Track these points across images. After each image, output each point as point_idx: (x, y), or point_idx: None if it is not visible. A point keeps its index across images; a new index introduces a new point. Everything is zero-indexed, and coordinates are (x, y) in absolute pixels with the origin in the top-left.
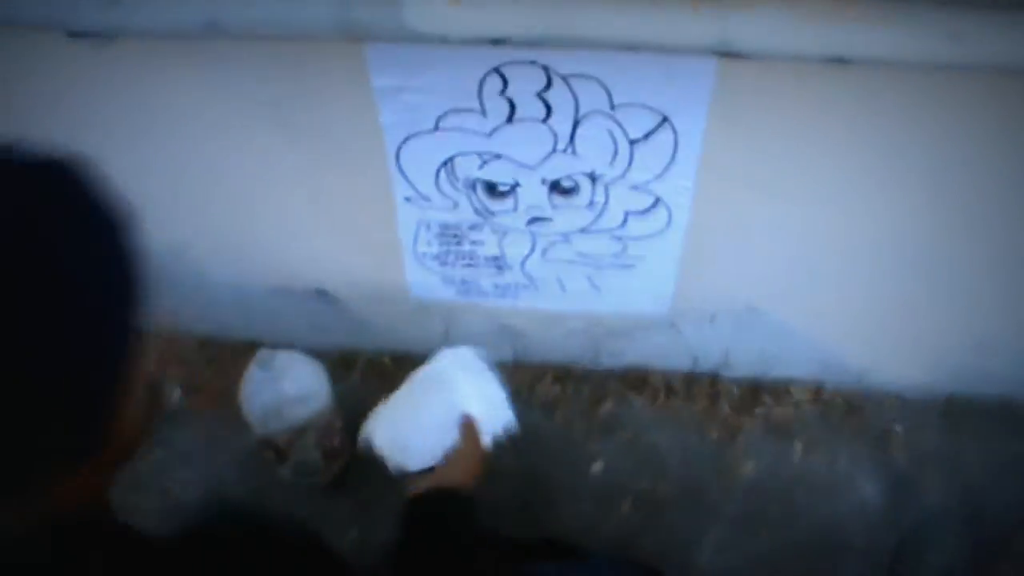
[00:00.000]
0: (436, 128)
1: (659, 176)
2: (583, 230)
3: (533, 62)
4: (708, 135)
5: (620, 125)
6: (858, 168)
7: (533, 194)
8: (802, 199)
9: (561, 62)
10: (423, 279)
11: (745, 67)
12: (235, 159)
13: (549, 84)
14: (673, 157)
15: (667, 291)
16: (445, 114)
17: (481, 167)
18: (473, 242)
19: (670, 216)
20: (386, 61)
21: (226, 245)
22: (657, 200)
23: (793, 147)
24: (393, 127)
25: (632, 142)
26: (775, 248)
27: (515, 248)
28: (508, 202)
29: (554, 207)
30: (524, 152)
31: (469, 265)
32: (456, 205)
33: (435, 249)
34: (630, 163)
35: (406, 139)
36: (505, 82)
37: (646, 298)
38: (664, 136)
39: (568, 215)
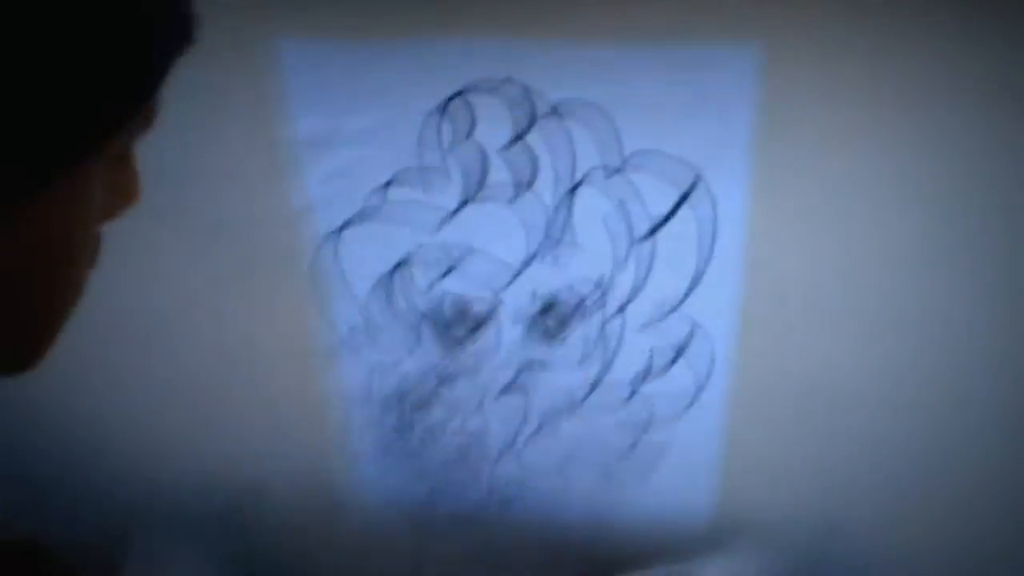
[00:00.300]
0: (380, 206)
1: (690, 286)
2: (591, 389)
3: (509, 79)
4: (755, 199)
5: (636, 192)
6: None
7: (519, 322)
8: (915, 316)
9: (548, 80)
10: (373, 480)
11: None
12: (118, 279)
13: (533, 121)
14: (711, 246)
15: (707, 497)
16: (391, 181)
17: (444, 275)
18: (438, 418)
19: (708, 360)
20: (310, 94)
21: (121, 430)
22: (688, 332)
23: (884, 210)
24: (323, 206)
25: (653, 227)
26: (865, 408)
27: (496, 425)
28: (485, 339)
29: (549, 346)
30: (502, 245)
31: (434, 458)
32: (413, 347)
33: (386, 431)
34: (650, 263)
35: (340, 228)
36: (472, 120)
37: (678, 507)
38: (695, 208)
39: (568, 362)
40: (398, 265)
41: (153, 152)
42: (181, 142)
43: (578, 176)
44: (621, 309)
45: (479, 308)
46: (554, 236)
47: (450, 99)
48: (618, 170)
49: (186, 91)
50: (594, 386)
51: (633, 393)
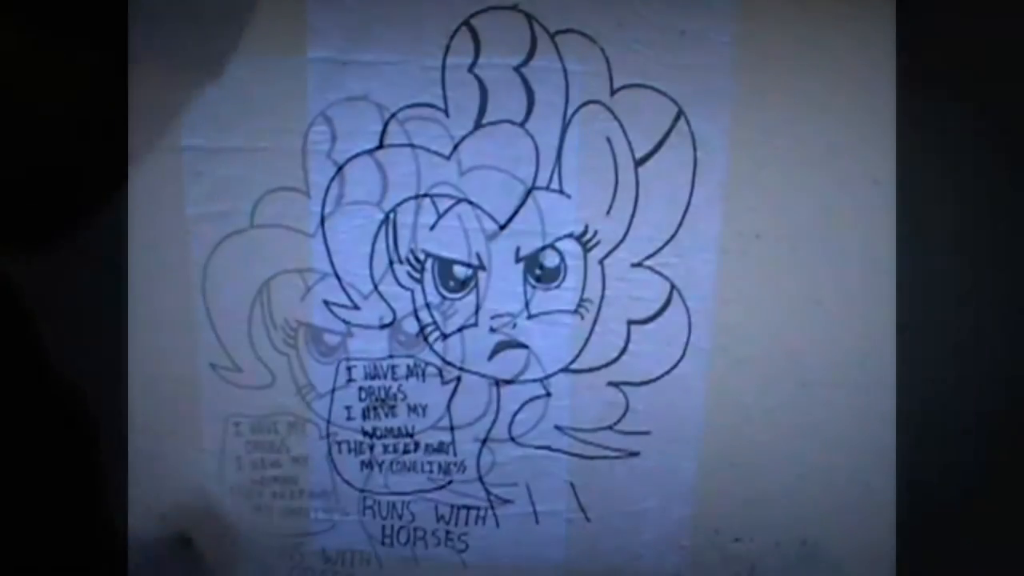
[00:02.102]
0: (380, 144)
1: (672, 235)
2: (568, 368)
3: (514, 7)
4: (735, 136)
5: (622, 128)
6: None
7: (503, 283)
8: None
9: (550, 11)
10: (343, 509)
11: None
12: None
13: (533, 49)
14: (691, 190)
15: (684, 511)
16: (397, 113)
17: (436, 222)
18: (412, 408)
19: (688, 324)
20: (329, 17)
21: None
22: (669, 292)
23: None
24: (329, 142)
25: (637, 162)
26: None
27: (470, 415)
28: (466, 302)
29: (531, 315)
30: (493, 191)
31: (404, 467)
32: (396, 314)
33: (358, 433)
34: (634, 210)
35: (342, 165)
36: (477, 47)
37: (653, 521)
38: (677, 149)
39: (550, 333)
40: (390, 212)
41: None
42: None
43: (569, 112)
44: (607, 255)
45: (461, 268)
46: (543, 181)
47: (457, 29)
48: (606, 107)
49: None
50: (572, 367)
51: (614, 378)
